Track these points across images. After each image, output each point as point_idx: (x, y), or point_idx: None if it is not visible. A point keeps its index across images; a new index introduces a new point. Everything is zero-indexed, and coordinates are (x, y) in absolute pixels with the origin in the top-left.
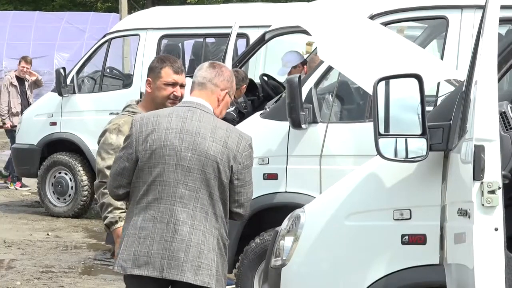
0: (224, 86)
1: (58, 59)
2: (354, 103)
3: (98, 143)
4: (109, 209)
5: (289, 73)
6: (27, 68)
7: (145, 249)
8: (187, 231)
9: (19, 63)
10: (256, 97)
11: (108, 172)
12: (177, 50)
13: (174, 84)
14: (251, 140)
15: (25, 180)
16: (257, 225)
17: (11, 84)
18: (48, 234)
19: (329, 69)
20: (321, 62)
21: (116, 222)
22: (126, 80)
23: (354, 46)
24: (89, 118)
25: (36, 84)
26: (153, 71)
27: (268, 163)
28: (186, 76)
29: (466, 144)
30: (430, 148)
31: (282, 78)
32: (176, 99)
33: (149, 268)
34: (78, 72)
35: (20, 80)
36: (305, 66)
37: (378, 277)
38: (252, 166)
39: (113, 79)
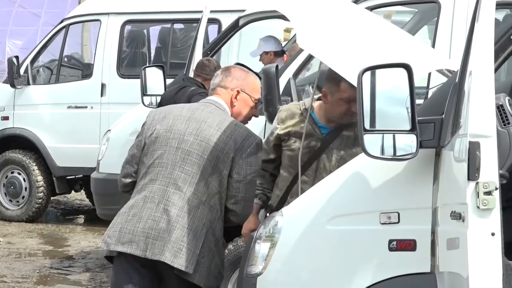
0: (234, 85)
1: (10, 47)
2: None
3: None
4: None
5: (260, 58)
6: None
7: (131, 227)
8: (176, 213)
9: None
10: None
11: None
12: (141, 37)
13: (351, 101)
14: (261, 142)
15: None
16: (231, 230)
17: None
18: None
19: (309, 58)
20: (301, 50)
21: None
22: (85, 70)
23: (336, 32)
24: (45, 112)
25: None
26: (331, 82)
27: None
28: (152, 66)
29: (460, 140)
30: (420, 145)
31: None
32: (354, 114)
33: (133, 246)
34: (32, 61)
35: None
36: (284, 55)
37: (363, 286)
38: (257, 168)
39: (71, 69)
